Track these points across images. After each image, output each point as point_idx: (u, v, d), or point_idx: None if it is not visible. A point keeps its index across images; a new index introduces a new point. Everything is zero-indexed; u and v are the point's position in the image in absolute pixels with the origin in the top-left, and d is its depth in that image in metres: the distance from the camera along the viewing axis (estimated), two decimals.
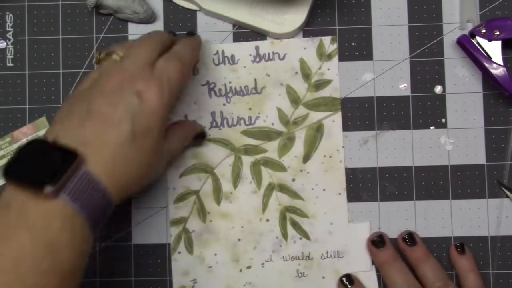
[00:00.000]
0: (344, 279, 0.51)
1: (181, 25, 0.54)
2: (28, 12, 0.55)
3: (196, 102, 0.53)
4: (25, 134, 0.54)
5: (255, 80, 0.53)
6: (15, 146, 0.54)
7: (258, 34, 0.54)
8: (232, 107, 0.53)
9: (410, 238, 0.51)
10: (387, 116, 0.53)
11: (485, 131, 0.53)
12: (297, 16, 0.53)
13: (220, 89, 0.53)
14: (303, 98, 0.53)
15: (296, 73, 0.53)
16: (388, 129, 0.53)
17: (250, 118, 0.53)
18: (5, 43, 0.55)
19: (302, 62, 0.53)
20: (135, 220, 0.53)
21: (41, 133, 0.54)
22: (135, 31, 0.54)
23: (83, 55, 0.54)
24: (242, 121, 0.53)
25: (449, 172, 0.53)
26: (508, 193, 0.52)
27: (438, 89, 0.53)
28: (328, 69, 0.53)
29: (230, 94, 0.53)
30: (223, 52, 0.53)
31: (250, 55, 0.53)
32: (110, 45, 0.49)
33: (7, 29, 0.55)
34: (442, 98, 0.53)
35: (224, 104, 0.53)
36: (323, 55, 0.53)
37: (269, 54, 0.53)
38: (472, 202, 0.53)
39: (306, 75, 0.53)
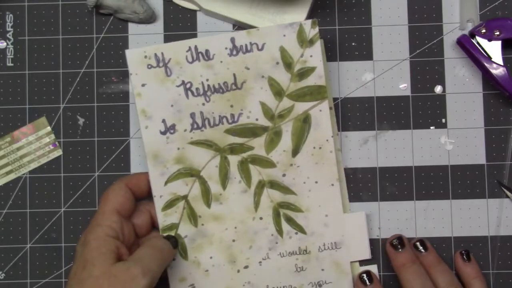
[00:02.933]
0: (364, 275, 0.51)
1: (181, 25, 0.54)
2: (28, 12, 0.55)
3: (173, 104, 0.50)
4: (25, 134, 0.54)
5: (234, 75, 0.51)
6: (15, 146, 0.54)
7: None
8: (212, 106, 0.51)
9: (421, 244, 0.51)
10: (387, 116, 0.53)
11: (485, 131, 0.53)
12: (297, 16, 0.52)
13: (197, 88, 0.51)
14: (286, 89, 0.51)
15: (277, 63, 0.51)
16: (388, 129, 0.53)
17: (232, 115, 0.51)
18: (5, 43, 0.55)
19: (283, 51, 0.51)
20: None
21: (41, 133, 0.54)
22: (135, 31, 0.54)
23: (83, 55, 0.54)
24: (224, 120, 0.51)
25: (449, 172, 0.53)
26: (508, 193, 0.52)
27: (438, 89, 0.53)
28: (311, 56, 0.51)
29: (208, 93, 0.51)
30: (196, 47, 0.51)
31: (226, 48, 0.51)
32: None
33: (7, 29, 0.55)
34: (442, 98, 0.53)
35: (203, 104, 0.51)
36: (304, 41, 0.51)
37: (246, 45, 0.51)
38: (472, 202, 0.53)
39: (288, 65, 0.51)
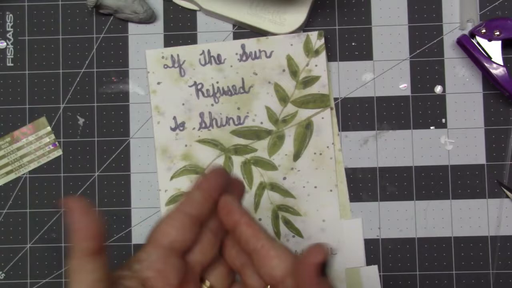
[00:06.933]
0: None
1: (181, 25, 0.54)
2: (28, 12, 0.55)
3: (184, 103, 0.53)
4: (25, 134, 0.54)
5: (243, 79, 0.53)
6: (15, 146, 0.54)
7: (258, 34, 0.54)
8: (221, 107, 0.53)
9: None
10: (387, 116, 0.53)
11: (485, 131, 0.53)
12: (297, 16, 0.53)
13: (207, 90, 0.53)
14: (291, 96, 0.53)
15: (284, 70, 0.53)
16: (388, 129, 0.53)
17: (239, 117, 0.53)
18: (5, 43, 0.55)
19: (289, 59, 0.53)
20: (135, 220, 0.53)
21: (41, 133, 0.54)
22: (135, 31, 0.54)
23: (83, 55, 0.54)
24: (231, 121, 0.53)
25: (449, 172, 0.53)
26: (508, 193, 0.52)
27: (438, 89, 0.53)
28: (316, 65, 0.53)
29: (218, 94, 0.53)
30: (209, 51, 0.53)
31: (237, 54, 0.53)
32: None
33: (7, 29, 0.55)
34: (442, 98, 0.53)
35: (212, 105, 0.53)
36: (310, 51, 0.53)
37: (255, 52, 0.53)
38: (472, 202, 0.53)
39: (294, 72, 0.53)
